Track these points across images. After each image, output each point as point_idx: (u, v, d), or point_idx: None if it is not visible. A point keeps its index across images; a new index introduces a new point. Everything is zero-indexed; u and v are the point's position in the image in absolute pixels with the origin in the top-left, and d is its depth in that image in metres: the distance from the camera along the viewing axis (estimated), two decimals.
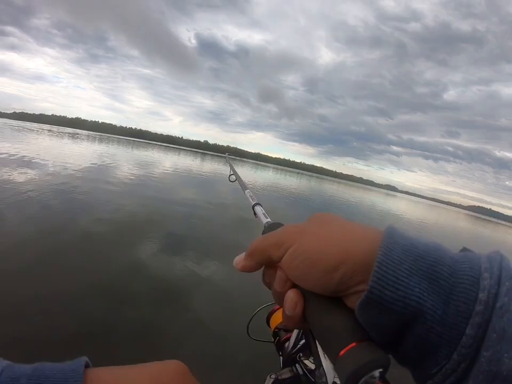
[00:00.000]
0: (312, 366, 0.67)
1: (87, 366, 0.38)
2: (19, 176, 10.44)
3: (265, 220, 0.77)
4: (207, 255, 6.61)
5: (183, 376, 0.41)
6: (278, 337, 0.83)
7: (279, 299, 0.46)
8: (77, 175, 12.86)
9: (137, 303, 4.25)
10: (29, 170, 11.72)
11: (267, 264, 0.48)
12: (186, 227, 8.53)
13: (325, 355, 0.44)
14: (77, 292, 4.22)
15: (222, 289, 5.20)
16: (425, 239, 0.40)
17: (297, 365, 0.68)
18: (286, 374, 0.67)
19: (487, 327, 0.32)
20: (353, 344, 0.36)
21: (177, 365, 0.42)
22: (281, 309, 0.47)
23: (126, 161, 25.96)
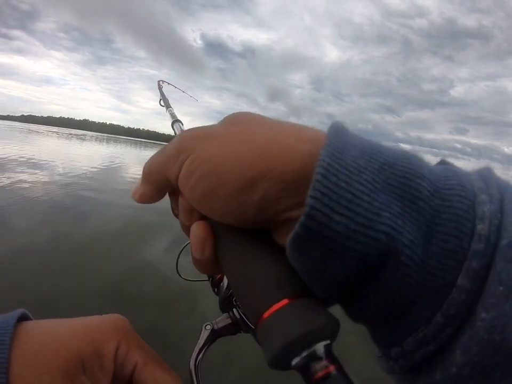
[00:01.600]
0: None
1: (25, 318, 0.35)
2: (28, 177, 10.48)
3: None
4: None
5: (121, 330, 0.36)
6: (211, 277, 0.70)
7: (186, 230, 0.34)
8: (85, 175, 12.89)
9: (145, 303, 4.20)
10: (38, 172, 11.75)
11: (170, 189, 0.34)
12: None
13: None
14: (84, 292, 4.18)
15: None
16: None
17: (234, 309, 0.56)
18: (222, 321, 0.56)
19: (487, 275, 0.21)
20: (284, 302, 0.24)
21: (116, 318, 0.37)
22: None
23: (135, 161, 26.08)
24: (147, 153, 44.48)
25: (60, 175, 12.00)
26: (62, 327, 0.34)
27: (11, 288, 3.95)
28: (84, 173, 13.08)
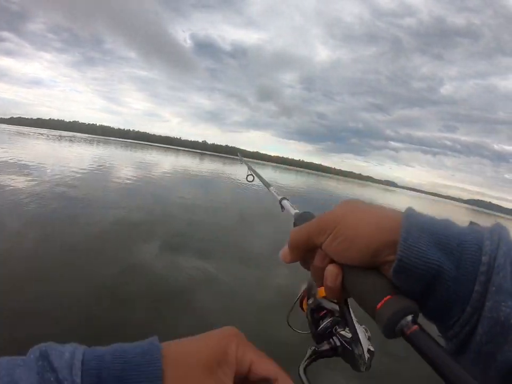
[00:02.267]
0: (349, 335, 0.72)
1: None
2: (18, 180, 10.41)
3: (294, 211, 0.84)
4: (209, 254, 6.60)
5: (238, 337, 0.49)
6: (312, 315, 0.86)
7: (319, 276, 0.55)
8: (75, 178, 12.83)
9: (140, 303, 4.29)
10: (27, 175, 11.69)
11: (309, 251, 0.55)
12: (187, 227, 8.52)
13: (365, 330, 0.59)
14: (78, 294, 4.27)
15: (227, 287, 5.25)
16: (438, 217, 0.49)
17: (334, 337, 0.74)
18: (324, 346, 0.73)
19: (489, 283, 0.41)
20: (388, 297, 0.44)
21: (232, 329, 0.50)
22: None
23: (125, 164, 25.91)
24: (137, 155, 44.24)
25: (48, 177, 11.92)
26: (195, 339, 0.48)
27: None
28: (71, 176, 12.99)
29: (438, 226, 0.46)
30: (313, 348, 0.74)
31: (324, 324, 0.78)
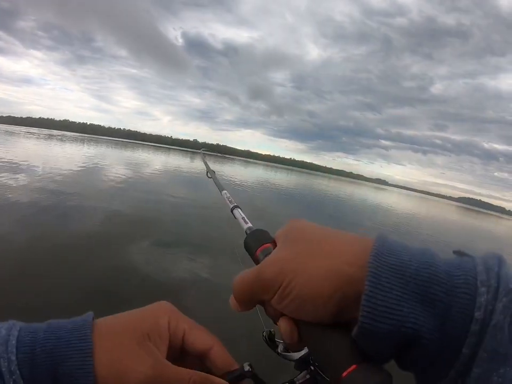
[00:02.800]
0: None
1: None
2: (7, 181, 10.36)
3: (245, 225, 0.73)
4: (199, 253, 6.65)
5: (169, 309, 0.51)
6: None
7: (274, 320, 0.49)
8: (65, 178, 12.80)
9: (128, 301, 4.25)
10: (17, 175, 11.63)
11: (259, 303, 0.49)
12: (177, 226, 8.55)
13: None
14: (68, 296, 4.27)
15: (214, 287, 5.28)
16: (416, 247, 0.39)
17: (311, 366, 0.60)
18: (302, 377, 0.60)
19: (480, 346, 0.33)
20: (354, 366, 0.37)
21: (164, 303, 0.52)
22: None
23: (115, 163, 25.76)
24: (128, 154, 43.98)
25: (37, 177, 11.85)
26: (128, 313, 0.49)
27: None
28: (61, 176, 12.92)
29: (416, 265, 0.36)
30: (289, 380, 0.60)
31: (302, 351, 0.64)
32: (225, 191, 1.06)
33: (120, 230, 7.42)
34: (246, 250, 0.60)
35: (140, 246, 6.48)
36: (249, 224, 0.72)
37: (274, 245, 0.51)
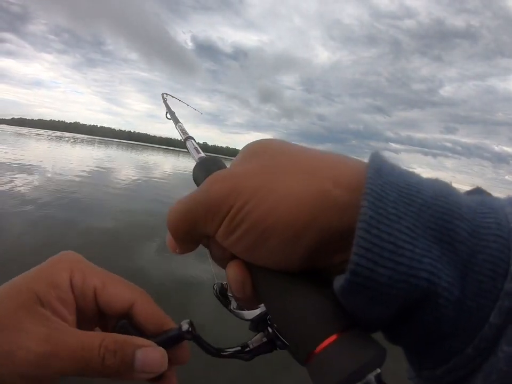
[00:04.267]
0: None
1: None
2: (19, 182, 10.41)
3: (197, 155, 0.60)
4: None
5: (72, 261, 0.39)
6: None
7: (221, 264, 0.36)
8: (76, 180, 12.84)
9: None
10: (29, 177, 11.69)
11: (202, 240, 0.35)
12: None
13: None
14: None
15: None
16: (423, 177, 0.28)
17: (269, 327, 0.52)
18: (258, 341, 0.52)
19: None
20: (333, 337, 0.25)
21: (67, 253, 0.39)
22: None
23: (127, 164, 25.94)
24: (138, 156, 44.29)
25: (49, 179, 11.92)
26: (17, 277, 0.36)
27: None
28: (73, 177, 13.00)
29: (431, 192, 0.25)
30: (241, 344, 0.52)
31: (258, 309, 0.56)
32: (180, 124, 0.95)
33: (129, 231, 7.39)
34: (194, 181, 0.50)
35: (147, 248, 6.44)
36: (202, 154, 0.61)
37: None
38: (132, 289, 0.40)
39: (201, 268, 5.72)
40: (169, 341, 0.39)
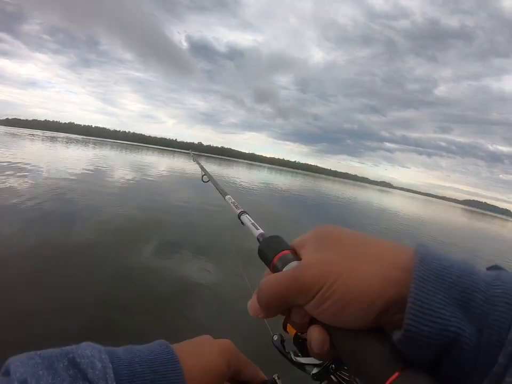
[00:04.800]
0: (347, 377, 0.55)
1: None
2: (13, 183, 10.27)
3: (256, 231, 0.68)
4: (202, 256, 6.47)
5: (234, 353, 0.52)
6: (300, 342, 0.63)
7: (298, 328, 0.46)
8: (70, 180, 12.69)
9: (135, 309, 4.23)
10: (23, 177, 11.54)
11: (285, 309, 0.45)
12: (182, 230, 8.39)
13: None
14: (72, 300, 4.19)
15: (217, 291, 5.09)
16: (454, 257, 0.38)
17: (332, 376, 0.56)
18: None
19: None
20: (397, 373, 0.34)
21: (229, 344, 0.54)
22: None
23: (120, 166, 25.81)
24: (132, 157, 44.16)
25: (43, 179, 11.80)
26: (203, 347, 0.51)
27: None
28: (67, 178, 12.88)
29: (458, 272, 0.36)
30: None
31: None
32: (229, 196, 1.00)
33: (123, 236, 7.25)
34: (261, 259, 0.56)
35: (146, 249, 6.31)
36: (261, 230, 0.68)
37: (294, 252, 0.49)
38: (255, 369, 0.56)
39: (196, 266, 5.61)
40: None
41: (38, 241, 5.94)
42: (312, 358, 0.58)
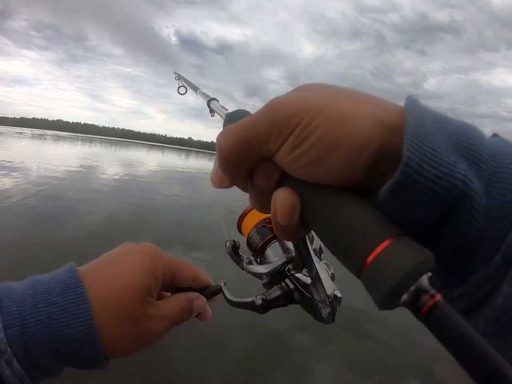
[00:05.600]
0: (308, 280, 0.51)
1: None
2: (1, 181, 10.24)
3: (224, 111, 0.59)
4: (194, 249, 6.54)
5: (158, 257, 0.49)
6: (256, 245, 0.63)
7: (262, 202, 0.35)
8: (57, 178, 12.66)
9: None
10: (11, 175, 11.50)
11: (253, 164, 0.34)
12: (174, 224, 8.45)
13: (327, 266, 0.46)
14: None
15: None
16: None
17: (286, 279, 0.53)
18: (275, 292, 0.53)
19: None
20: (387, 242, 0.26)
21: (151, 247, 0.51)
22: (258, 212, 0.42)
23: (109, 163, 25.68)
24: (122, 153, 43.89)
25: (33, 177, 11.76)
26: (117, 261, 0.47)
27: None
28: (55, 176, 12.83)
29: (459, 124, 0.29)
30: (259, 296, 0.54)
31: (271, 264, 0.57)
32: (200, 89, 0.94)
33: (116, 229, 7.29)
34: None
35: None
36: (229, 110, 0.59)
37: None
38: (192, 268, 0.53)
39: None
40: (211, 294, 0.56)
41: (21, 236, 5.97)
42: (266, 265, 0.56)
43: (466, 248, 0.28)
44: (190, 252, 6.46)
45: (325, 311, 0.48)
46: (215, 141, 0.33)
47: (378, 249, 0.26)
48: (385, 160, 0.28)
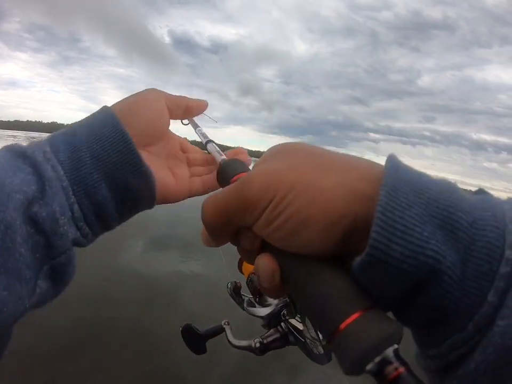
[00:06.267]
0: (300, 326, 0.55)
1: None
2: None
3: (220, 157, 0.62)
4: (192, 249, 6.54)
5: (165, 99, 0.56)
6: (254, 287, 0.66)
7: (248, 257, 0.37)
8: None
9: (125, 303, 4.17)
10: None
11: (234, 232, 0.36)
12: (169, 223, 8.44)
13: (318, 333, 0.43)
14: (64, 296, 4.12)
15: (211, 282, 5.14)
16: (433, 177, 0.30)
17: (282, 323, 0.55)
18: (272, 335, 0.55)
19: (509, 293, 0.25)
20: (356, 314, 0.27)
21: (156, 93, 0.56)
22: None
23: None
24: None
25: None
26: (134, 108, 0.53)
27: None
28: None
29: (438, 188, 0.28)
30: (257, 340, 0.56)
31: (269, 307, 0.59)
32: (199, 128, 0.94)
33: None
34: (219, 183, 0.53)
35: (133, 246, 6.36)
36: (224, 157, 0.62)
37: None
38: (184, 99, 0.60)
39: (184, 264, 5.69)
40: (213, 333, 0.59)
41: None
42: (264, 308, 0.58)
43: (439, 318, 0.28)
44: (189, 251, 6.46)
45: (319, 352, 0.52)
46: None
47: (348, 321, 0.26)
48: (360, 230, 0.29)
